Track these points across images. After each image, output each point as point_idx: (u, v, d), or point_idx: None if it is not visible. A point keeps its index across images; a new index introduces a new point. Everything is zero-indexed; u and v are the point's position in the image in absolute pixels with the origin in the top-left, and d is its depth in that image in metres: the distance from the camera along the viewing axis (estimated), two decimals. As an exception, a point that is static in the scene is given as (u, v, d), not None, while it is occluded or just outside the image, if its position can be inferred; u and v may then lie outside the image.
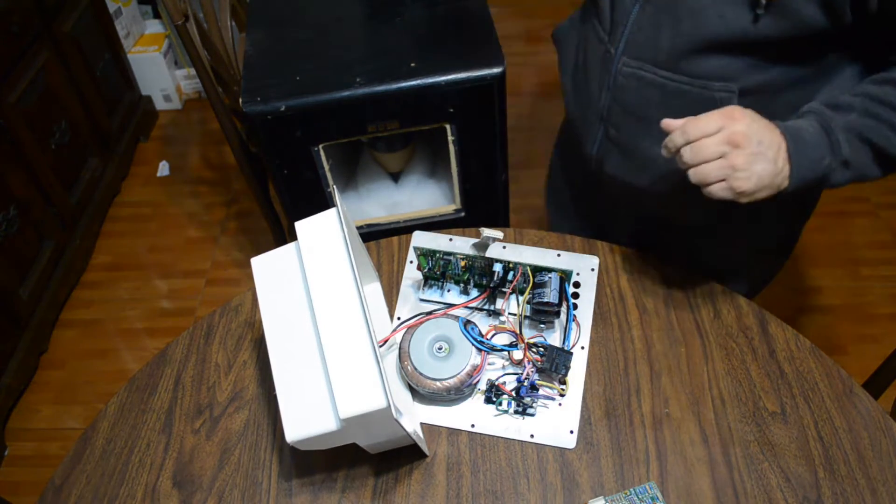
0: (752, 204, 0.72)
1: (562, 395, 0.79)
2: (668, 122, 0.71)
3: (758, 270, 1.05)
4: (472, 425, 0.78)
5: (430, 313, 0.82)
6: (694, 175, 0.69)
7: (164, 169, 2.36)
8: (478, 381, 0.79)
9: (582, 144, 0.96)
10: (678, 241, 1.00)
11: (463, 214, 1.40)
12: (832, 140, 0.71)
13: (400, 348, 0.79)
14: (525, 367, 0.78)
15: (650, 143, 0.84)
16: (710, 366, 0.82)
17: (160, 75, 2.48)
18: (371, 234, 1.41)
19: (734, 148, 0.67)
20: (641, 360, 0.83)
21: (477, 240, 0.84)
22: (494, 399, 0.79)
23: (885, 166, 0.74)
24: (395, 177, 1.49)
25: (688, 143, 0.69)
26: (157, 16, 2.54)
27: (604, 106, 0.88)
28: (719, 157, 0.68)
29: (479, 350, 0.78)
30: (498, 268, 0.82)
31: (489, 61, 1.18)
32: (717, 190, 0.69)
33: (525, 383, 0.78)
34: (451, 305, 0.85)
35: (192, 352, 0.88)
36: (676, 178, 0.81)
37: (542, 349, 0.78)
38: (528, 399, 0.78)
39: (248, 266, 0.76)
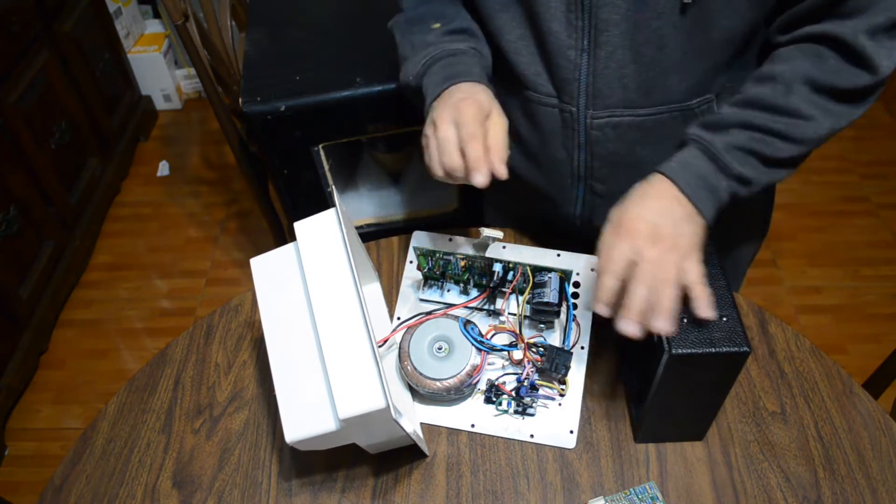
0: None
1: (562, 395, 0.79)
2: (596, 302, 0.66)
3: (738, 257, 1.04)
4: (472, 425, 0.78)
5: (429, 313, 0.82)
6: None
7: (164, 169, 2.37)
8: (478, 381, 0.79)
9: (556, 207, 0.90)
10: None
11: (463, 214, 1.40)
12: (719, 165, 0.68)
13: (400, 348, 0.79)
14: (525, 367, 0.78)
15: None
16: (710, 366, 0.82)
17: (160, 75, 2.48)
18: (371, 234, 1.41)
19: (666, 278, 0.63)
20: (641, 360, 0.83)
21: (477, 240, 0.84)
22: (494, 399, 0.79)
23: (784, 166, 0.71)
24: (395, 177, 1.49)
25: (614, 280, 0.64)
26: (157, 16, 2.54)
27: (578, 166, 0.83)
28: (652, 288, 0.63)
29: (479, 350, 0.78)
30: (498, 268, 0.82)
31: (489, 61, 1.18)
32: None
33: (525, 383, 0.78)
34: (450, 305, 0.85)
35: (191, 352, 0.88)
36: None
37: (542, 349, 0.78)
38: (528, 399, 0.78)
39: (248, 266, 0.76)
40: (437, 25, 0.80)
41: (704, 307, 0.64)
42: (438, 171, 0.71)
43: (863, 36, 0.66)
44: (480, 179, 0.68)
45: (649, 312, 0.63)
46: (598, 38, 0.72)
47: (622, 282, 0.64)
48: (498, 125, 0.71)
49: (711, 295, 0.65)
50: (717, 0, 0.68)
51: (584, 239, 0.90)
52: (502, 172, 0.69)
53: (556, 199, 0.88)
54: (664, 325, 0.62)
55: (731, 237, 0.96)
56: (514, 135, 0.85)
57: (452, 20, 0.81)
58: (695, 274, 0.64)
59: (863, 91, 0.68)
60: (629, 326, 0.63)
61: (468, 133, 0.68)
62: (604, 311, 0.65)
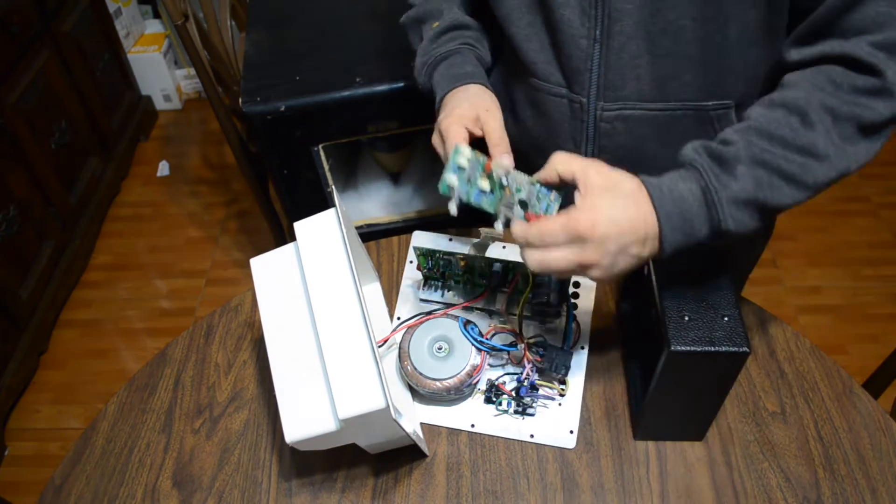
0: None
1: (562, 395, 0.79)
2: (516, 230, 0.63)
3: (741, 258, 1.02)
4: (472, 425, 0.78)
5: (429, 313, 0.82)
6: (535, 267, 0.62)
7: (164, 169, 2.37)
8: (478, 381, 0.79)
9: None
10: None
11: (463, 214, 1.40)
12: (712, 214, 0.61)
13: (400, 348, 0.79)
14: (525, 367, 0.78)
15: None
16: (710, 366, 0.82)
17: (160, 75, 2.48)
18: (371, 234, 1.41)
19: (588, 268, 0.60)
20: (641, 360, 0.83)
21: (477, 240, 0.84)
22: (494, 399, 0.79)
23: (771, 216, 0.66)
24: (395, 177, 1.49)
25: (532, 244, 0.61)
26: (157, 16, 2.54)
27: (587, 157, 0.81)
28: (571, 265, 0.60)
29: (479, 350, 0.78)
30: (498, 268, 0.82)
31: (489, 61, 1.18)
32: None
33: (525, 383, 0.78)
34: (451, 305, 0.85)
35: (191, 352, 0.88)
36: None
37: (541, 349, 0.78)
38: (528, 399, 0.78)
39: (248, 266, 0.76)
40: (436, 24, 0.82)
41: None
42: None
43: (873, 49, 0.61)
44: (452, 209, 0.71)
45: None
46: (611, 27, 0.70)
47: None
48: (489, 122, 0.73)
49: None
50: None
51: None
52: (506, 163, 0.71)
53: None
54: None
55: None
56: (521, 123, 0.86)
57: (445, 18, 0.83)
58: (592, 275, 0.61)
59: (882, 121, 0.63)
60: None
61: (445, 156, 0.73)
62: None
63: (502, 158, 0.71)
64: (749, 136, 0.62)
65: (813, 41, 0.66)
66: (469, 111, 0.74)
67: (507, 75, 0.86)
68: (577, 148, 0.82)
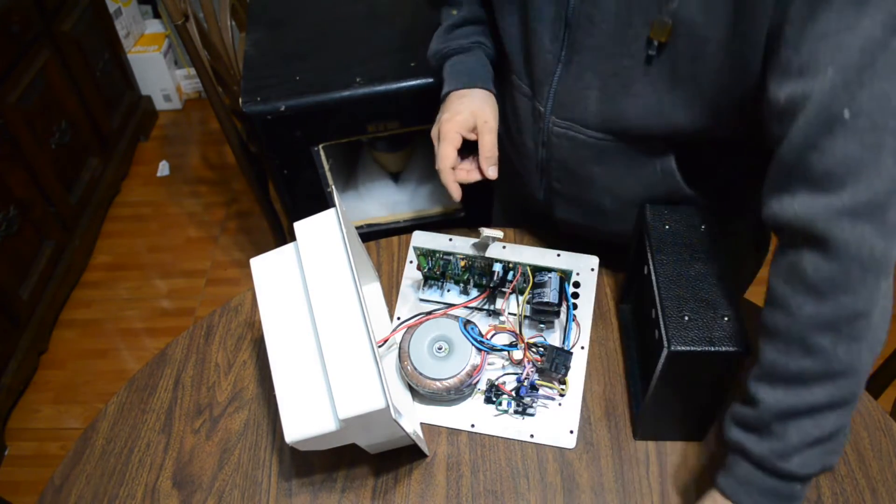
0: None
1: (562, 395, 0.79)
2: None
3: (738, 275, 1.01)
4: (472, 425, 0.78)
5: (429, 313, 0.82)
6: None
7: (164, 169, 2.37)
8: (478, 381, 0.79)
9: (528, 188, 0.91)
10: None
11: (463, 214, 1.40)
12: (783, 474, 0.60)
13: (400, 348, 0.78)
14: (525, 367, 0.78)
15: (595, 196, 0.82)
16: (710, 366, 0.82)
17: (160, 75, 2.48)
18: (371, 234, 1.41)
19: None
20: (641, 360, 0.83)
21: (477, 240, 0.84)
22: (494, 399, 0.79)
23: (845, 431, 0.60)
24: (395, 177, 1.49)
25: None
26: (157, 16, 2.54)
27: (542, 160, 0.84)
28: None
29: (479, 350, 0.78)
30: (498, 268, 0.82)
31: (489, 61, 1.18)
32: None
33: (525, 383, 0.78)
34: (450, 305, 0.85)
35: (191, 352, 0.88)
36: (629, 220, 0.80)
37: (542, 349, 0.78)
38: (528, 399, 0.78)
39: (248, 266, 0.76)
40: (455, 12, 0.89)
41: None
42: None
43: (849, 225, 0.54)
44: (453, 198, 0.83)
45: None
46: (572, 55, 0.73)
47: None
48: (484, 134, 0.81)
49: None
50: (683, 56, 0.64)
51: (550, 222, 0.93)
52: (491, 175, 0.82)
53: (526, 180, 0.91)
54: None
55: (738, 249, 0.96)
56: (503, 109, 0.89)
57: (463, 8, 0.88)
58: None
59: (863, 309, 0.56)
60: None
61: (441, 160, 0.81)
62: None
63: (489, 171, 0.81)
64: (764, 383, 0.61)
65: (785, 186, 0.59)
66: (469, 119, 0.81)
67: (502, 62, 0.89)
68: (535, 148, 0.84)
